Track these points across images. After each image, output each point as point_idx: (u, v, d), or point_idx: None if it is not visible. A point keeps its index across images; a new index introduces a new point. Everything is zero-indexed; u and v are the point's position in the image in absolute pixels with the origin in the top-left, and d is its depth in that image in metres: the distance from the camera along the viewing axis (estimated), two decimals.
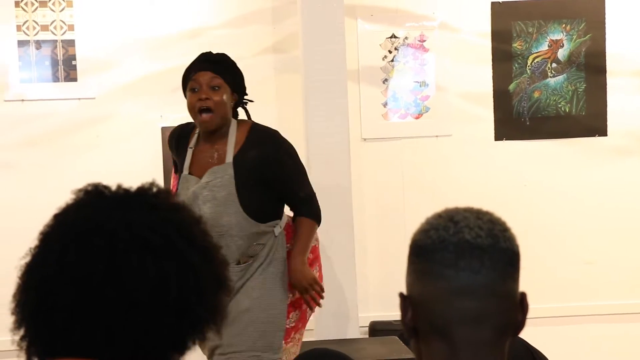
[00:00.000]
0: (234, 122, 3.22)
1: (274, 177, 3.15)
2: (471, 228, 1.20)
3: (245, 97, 3.30)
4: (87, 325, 1.12)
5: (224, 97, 3.16)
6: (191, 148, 3.23)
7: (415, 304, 1.23)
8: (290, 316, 3.22)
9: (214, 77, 3.16)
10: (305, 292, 3.15)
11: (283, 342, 3.19)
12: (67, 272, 1.13)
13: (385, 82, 4.58)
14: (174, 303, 1.14)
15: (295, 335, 3.25)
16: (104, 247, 1.14)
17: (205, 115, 3.13)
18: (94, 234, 1.15)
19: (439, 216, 1.24)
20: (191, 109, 3.16)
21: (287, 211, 3.32)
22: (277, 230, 3.19)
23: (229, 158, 3.15)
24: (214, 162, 3.17)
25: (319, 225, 3.26)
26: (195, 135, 3.25)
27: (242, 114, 3.34)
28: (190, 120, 3.24)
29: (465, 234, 1.20)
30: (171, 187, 3.29)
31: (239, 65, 4.44)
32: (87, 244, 1.14)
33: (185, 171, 3.21)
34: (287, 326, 3.21)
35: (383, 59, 4.58)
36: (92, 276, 1.13)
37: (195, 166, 3.21)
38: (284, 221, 3.24)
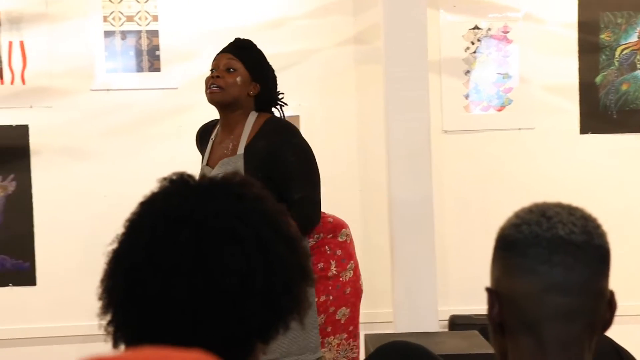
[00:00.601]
0: (253, 114, 3.13)
1: (275, 172, 2.99)
2: (564, 224, 1.18)
3: (281, 96, 3.20)
4: (174, 313, 1.13)
5: (238, 79, 3.10)
6: (212, 139, 3.21)
7: (502, 299, 1.21)
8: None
9: (231, 59, 3.13)
10: None
11: (320, 339, 3.10)
12: (155, 261, 1.14)
13: (468, 74, 4.52)
14: (261, 292, 1.15)
15: (329, 339, 3.15)
16: (193, 236, 1.14)
17: (212, 89, 3.09)
18: (182, 223, 1.15)
19: (529, 211, 1.22)
20: (205, 88, 3.14)
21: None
22: None
23: (241, 150, 3.07)
24: (228, 154, 3.12)
25: (303, 234, 2.96)
26: (217, 128, 3.21)
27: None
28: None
29: (559, 230, 1.18)
30: None
31: (319, 55, 4.48)
32: (175, 232, 1.15)
33: (204, 162, 3.19)
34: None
35: (465, 51, 4.52)
36: (181, 265, 1.13)
37: (212, 157, 3.17)
38: None
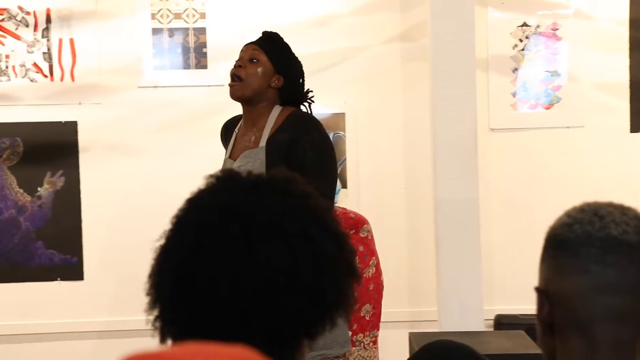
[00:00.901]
0: (277, 108, 3.09)
1: (291, 163, 2.91)
2: (617, 224, 1.17)
3: (311, 94, 3.16)
4: (221, 308, 1.13)
5: (259, 70, 3.07)
6: (235, 132, 3.18)
7: (553, 299, 1.19)
8: None
9: (255, 50, 3.10)
10: None
11: (350, 333, 3.07)
12: (202, 256, 1.15)
13: (515, 72, 4.48)
14: (308, 289, 1.15)
15: (358, 337, 3.10)
16: (241, 232, 1.15)
17: (233, 83, 3.08)
18: (230, 219, 1.16)
19: (581, 210, 1.20)
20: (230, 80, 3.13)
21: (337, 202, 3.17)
22: None
23: (263, 142, 3.03)
24: (250, 146, 3.09)
25: None
26: (241, 122, 3.19)
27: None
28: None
29: (612, 230, 1.16)
30: None
31: (365, 53, 4.47)
32: (223, 228, 1.15)
33: (227, 155, 3.17)
34: None
35: (513, 48, 4.48)
36: (228, 261, 1.14)
37: (235, 150, 3.15)
38: None
